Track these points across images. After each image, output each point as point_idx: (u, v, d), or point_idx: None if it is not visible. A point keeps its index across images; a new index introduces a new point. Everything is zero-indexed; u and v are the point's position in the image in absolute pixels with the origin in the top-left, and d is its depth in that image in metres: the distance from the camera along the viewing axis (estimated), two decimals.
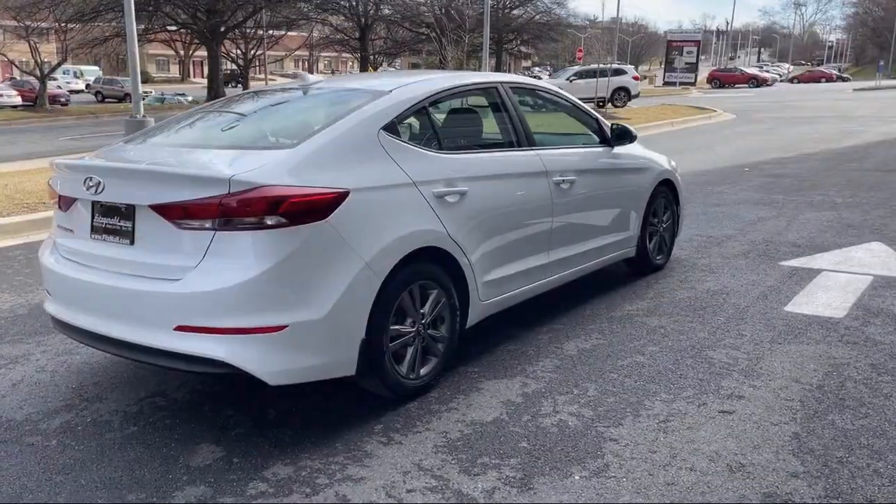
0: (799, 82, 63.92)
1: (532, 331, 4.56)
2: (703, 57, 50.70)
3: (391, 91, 3.82)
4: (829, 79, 66.68)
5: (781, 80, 63.41)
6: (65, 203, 3.60)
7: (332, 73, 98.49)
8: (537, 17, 58.56)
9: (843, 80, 67.90)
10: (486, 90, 4.46)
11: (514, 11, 56.81)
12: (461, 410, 3.51)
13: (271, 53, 57.15)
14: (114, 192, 3.28)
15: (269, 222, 3.03)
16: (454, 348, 3.88)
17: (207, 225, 3.06)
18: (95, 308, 3.36)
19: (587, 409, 3.49)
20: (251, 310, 3.04)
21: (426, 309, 3.65)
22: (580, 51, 45.52)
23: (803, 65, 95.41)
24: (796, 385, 3.70)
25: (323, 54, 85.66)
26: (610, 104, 28.96)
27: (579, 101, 5.22)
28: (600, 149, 5.11)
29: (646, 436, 3.22)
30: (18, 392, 3.85)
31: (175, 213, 3.11)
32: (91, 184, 3.31)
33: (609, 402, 3.56)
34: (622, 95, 29.89)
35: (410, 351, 3.60)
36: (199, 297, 3.04)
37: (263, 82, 49.98)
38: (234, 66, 58.93)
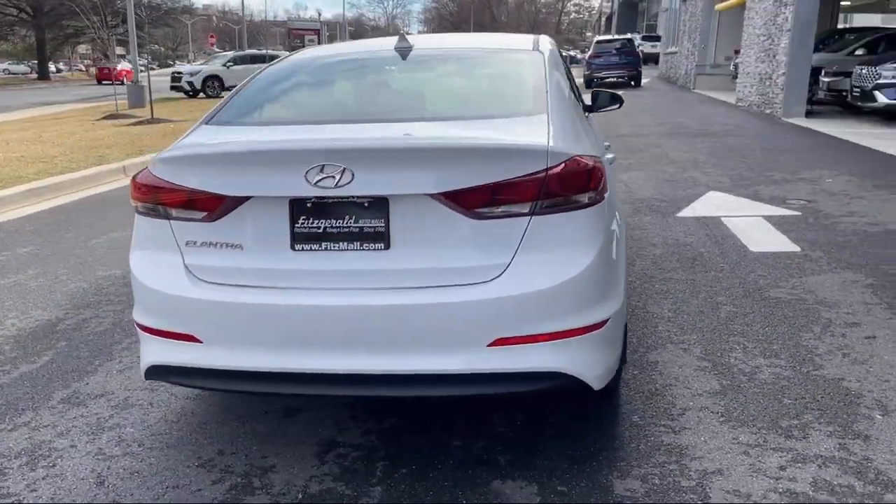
0: None
1: None
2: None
3: (538, 49, 3.41)
4: None
5: None
6: (217, 207, 2.55)
7: None
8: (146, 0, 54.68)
9: None
10: None
11: None
12: (676, 386, 3.34)
13: None
14: (364, 182, 2.43)
15: (583, 200, 2.54)
16: None
17: (522, 210, 2.45)
18: (334, 341, 2.48)
19: (774, 359, 3.58)
20: (583, 306, 2.54)
21: None
22: (212, 36, 43.52)
23: None
24: (880, 303, 4.23)
25: None
26: None
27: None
28: None
29: (863, 370, 3.43)
30: (121, 490, 2.67)
31: (477, 199, 2.43)
32: (328, 174, 2.40)
33: (776, 348, 3.69)
34: None
35: None
36: (525, 301, 2.44)
37: None
38: None
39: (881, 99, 12.67)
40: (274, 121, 3.00)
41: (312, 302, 2.48)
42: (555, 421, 3.06)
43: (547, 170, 2.44)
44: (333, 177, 2.41)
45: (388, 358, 2.47)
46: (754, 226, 6.17)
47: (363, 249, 2.49)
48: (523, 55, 3.33)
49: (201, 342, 2.59)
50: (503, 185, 2.42)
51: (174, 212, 2.62)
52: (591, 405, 3.16)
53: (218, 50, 58.94)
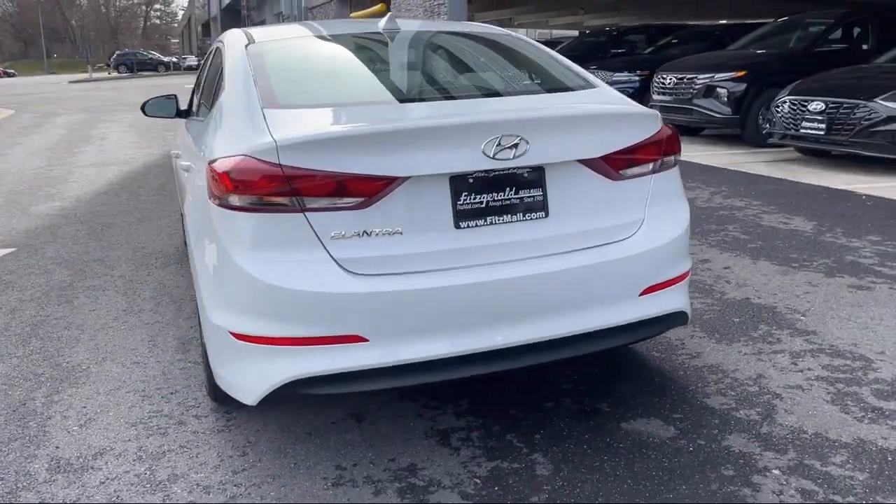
0: None
1: None
2: None
3: (517, 33, 3.63)
4: None
5: None
6: (374, 192, 2.35)
7: None
8: None
9: (10, 75, 66.33)
10: None
11: None
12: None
13: None
14: (531, 153, 2.47)
15: (673, 159, 2.89)
16: None
17: (647, 169, 2.74)
18: (508, 314, 2.48)
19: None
20: (687, 251, 2.91)
21: None
22: None
23: None
24: (690, 242, 5.27)
25: None
26: None
27: None
28: None
29: (752, 290, 4.33)
30: None
31: (618, 161, 2.65)
32: (505, 145, 2.39)
33: None
34: None
35: None
36: (660, 251, 2.74)
37: None
38: None
39: None
40: (361, 101, 2.74)
41: (485, 278, 2.44)
42: (598, 371, 3.34)
43: (661, 131, 2.75)
44: (511, 147, 2.41)
45: (560, 322, 2.54)
46: None
47: (525, 220, 2.52)
48: (512, 36, 3.52)
49: (367, 340, 2.36)
50: (637, 148, 2.67)
51: (314, 202, 2.33)
52: (613, 352, 3.51)
53: None
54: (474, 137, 2.39)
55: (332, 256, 2.35)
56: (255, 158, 2.33)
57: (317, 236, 2.34)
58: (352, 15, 23.17)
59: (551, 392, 3.14)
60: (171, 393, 3.26)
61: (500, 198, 2.48)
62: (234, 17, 50.68)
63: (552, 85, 3.04)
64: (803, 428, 2.80)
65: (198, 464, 2.69)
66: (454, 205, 2.43)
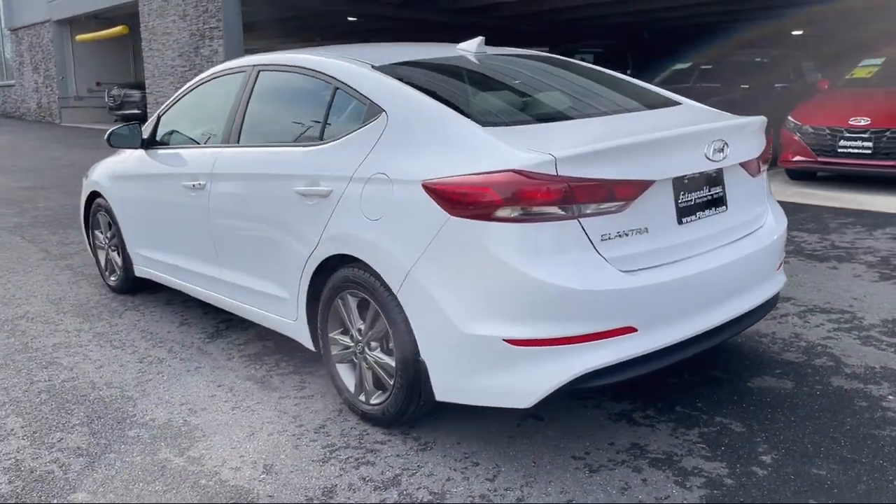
0: None
1: None
2: None
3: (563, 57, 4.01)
4: None
5: None
6: (633, 196, 2.63)
7: None
8: None
9: None
10: None
11: None
12: None
13: None
14: (730, 155, 2.92)
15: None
16: None
17: (764, 168, 3.31)
18: (720, 296, 2.90)
19: None
20: None
21: None
22: None
23: None
24: None
25: None
26: None
27: None
28: None
29: None
30: None
31: (758, 162, 3.19)
32: (717, 148, 2.82)
33: None
34: None
35: None
36: (783, 234, 3.32)
37: None
38: None
39: None
40: (558, 117, 2.96)
41: (708, 266, 2.82)
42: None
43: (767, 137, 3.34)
44: (720, 151, 2.83)
45: (746, 298, 3.01)
46: None
47: (716, 213, 2.95)
48: (587, 66, 3.91)
49: (636, 330, 2.62)
50: (764, 151, 3.23)
51: (587, 208, 2.54)
52: None
53: None
54: (699, 143, 2.78)
55: (603, 256, 2.57)
56: (529, 173, 2.48)
57: (589, 239, 2.55)
58: (79, 38, 21.34)
59: (661, 369, 3.55)
60: (320, 427, 3.13)
61: (701, 195, 2.88)
62: None
63: (663, 101, 3.49)
64: (869, 364, 3.55)
65: (443, 479, 2.70)
66: (676, 203, 2.78)
